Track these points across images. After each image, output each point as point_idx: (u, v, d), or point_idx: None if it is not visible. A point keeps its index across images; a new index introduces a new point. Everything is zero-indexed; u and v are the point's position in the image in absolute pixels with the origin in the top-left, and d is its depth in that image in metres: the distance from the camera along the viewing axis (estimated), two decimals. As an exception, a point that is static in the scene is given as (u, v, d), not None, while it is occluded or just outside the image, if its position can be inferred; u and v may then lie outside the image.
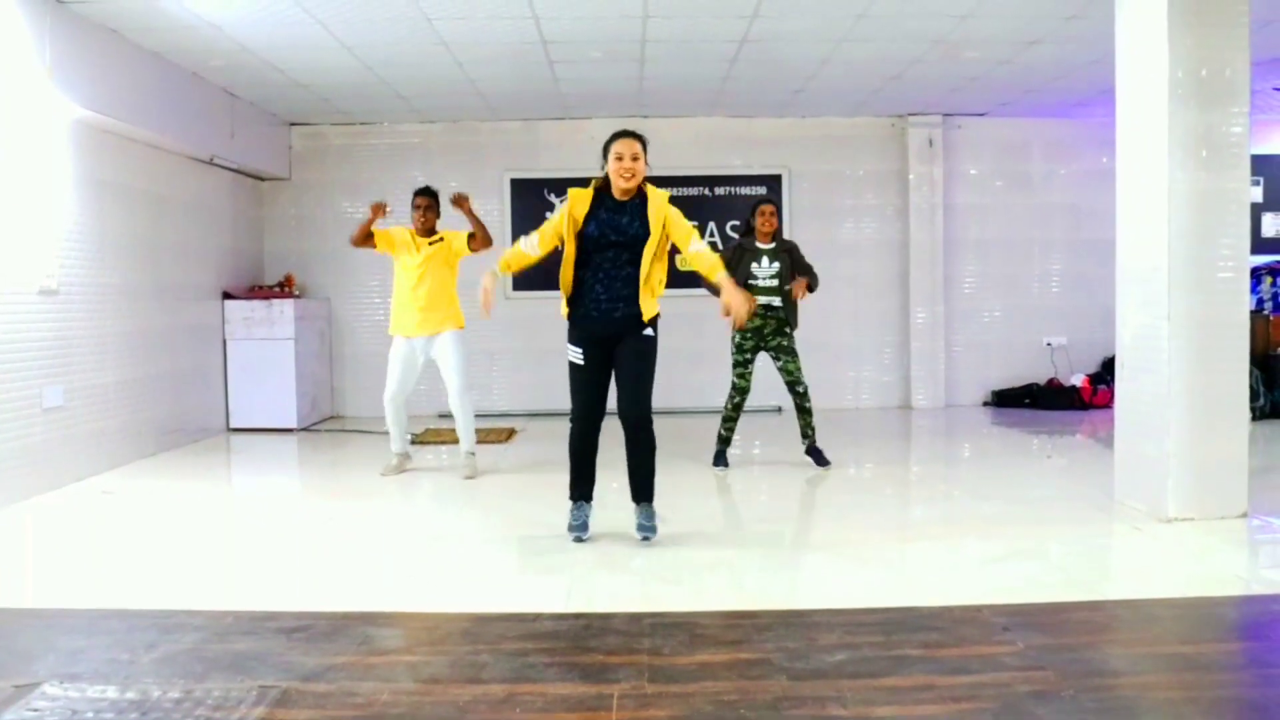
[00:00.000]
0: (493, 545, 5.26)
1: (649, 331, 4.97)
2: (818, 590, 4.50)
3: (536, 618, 3.93)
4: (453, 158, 10.52)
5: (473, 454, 7.05)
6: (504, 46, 7.63)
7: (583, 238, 4.91)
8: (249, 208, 10.22)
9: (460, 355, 6.91)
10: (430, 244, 6.85)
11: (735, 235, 10.35)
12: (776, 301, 6.84)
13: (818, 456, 7.03)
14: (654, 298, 4.95)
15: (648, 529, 5.02)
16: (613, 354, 4.98)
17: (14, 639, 3.79)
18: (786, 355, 6.88)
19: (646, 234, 4.87)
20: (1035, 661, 3.38)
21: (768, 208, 6.95)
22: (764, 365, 7.17)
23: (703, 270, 5.05)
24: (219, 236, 9.48)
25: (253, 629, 3.82)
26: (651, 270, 4.89)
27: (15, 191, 6.32)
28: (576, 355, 4.98)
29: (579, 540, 5.06)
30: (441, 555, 5.10)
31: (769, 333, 6.87)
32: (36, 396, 6.48)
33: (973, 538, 5.27)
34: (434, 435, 8.91)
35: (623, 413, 4.98)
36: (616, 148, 4.85)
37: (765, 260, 6.87)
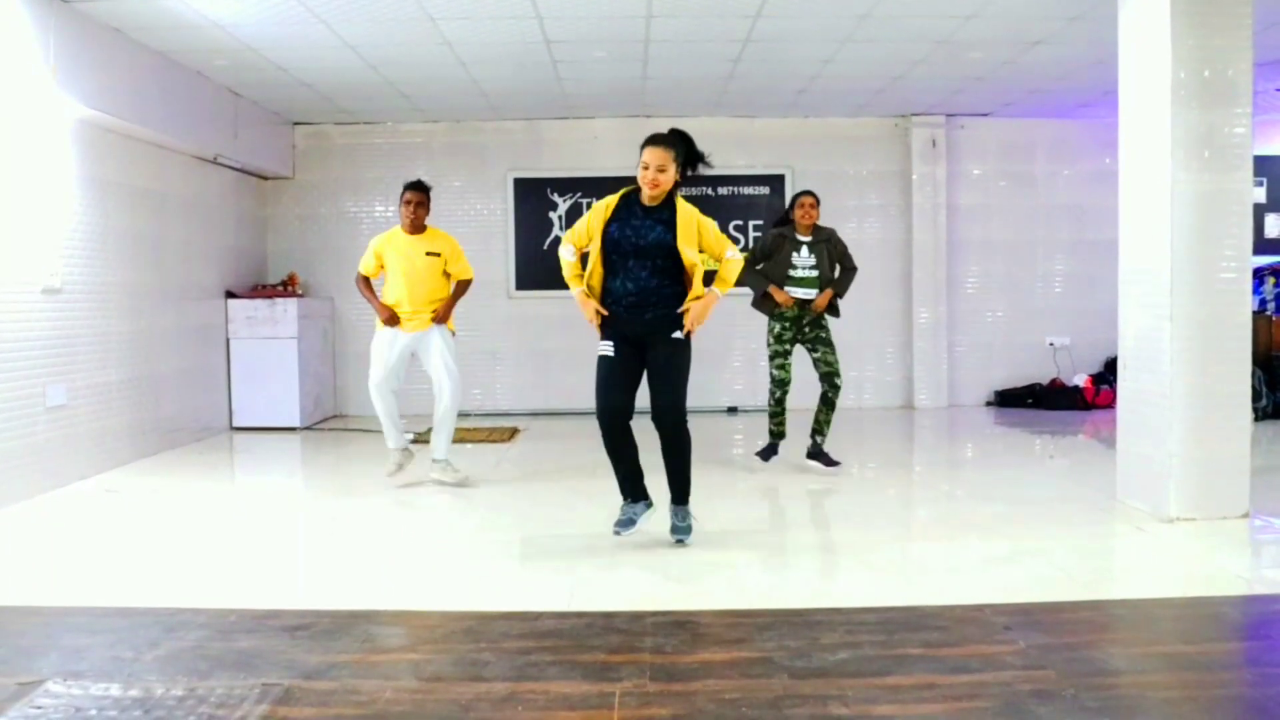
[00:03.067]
0: (495, 544, 5.27)
1: (679, 334, 4.90)
2: (819, 589, 4.51)
3: (539, 616, 3.94)
4: (456, 157, 10.54)
5: (447, 461, 6.71)
6: (507, 46, 7.64)
7: (606, 239, 4.88)
8: (252, 207, 10.24)
9: (450, 348, 6.59)
10: (427, 254, 6.51)
11: (738, 235, 10.41)
12: (814, 294, 6.76)
13: (825, 459, 6.87)
14: (694, 313, 4.86)
15: (681, 530, 5.00)
16: (644, 357, 4.94)
17: (17, 637, 3.80)
18: (824, 346, 6.79)
19: (671, 239, 4.82)
20: (1036, 661, 3.39)
21: (807, 199, 6.81)
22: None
23: (725, 278, 4.91)
24: (222, 235, 9.50)
25: (256, 627, 3.83)
26: (692, 287, 4.85)
27: (19, 190, 6.33)
28: (606, 348, 4.93)
29: (616, 534, 4.99)
30: (444, 554, 5.10)
31: (806, 323, 6.80)
32: (40, 395, 6.49)
33: (974, 537, 5.28)
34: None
35: (655, 413, 4.89)
36: (644, 156, 4.81)
37: (805, 251, 6.77)
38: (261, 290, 9.82)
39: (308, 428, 9.63)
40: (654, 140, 4.84)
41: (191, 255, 8.83)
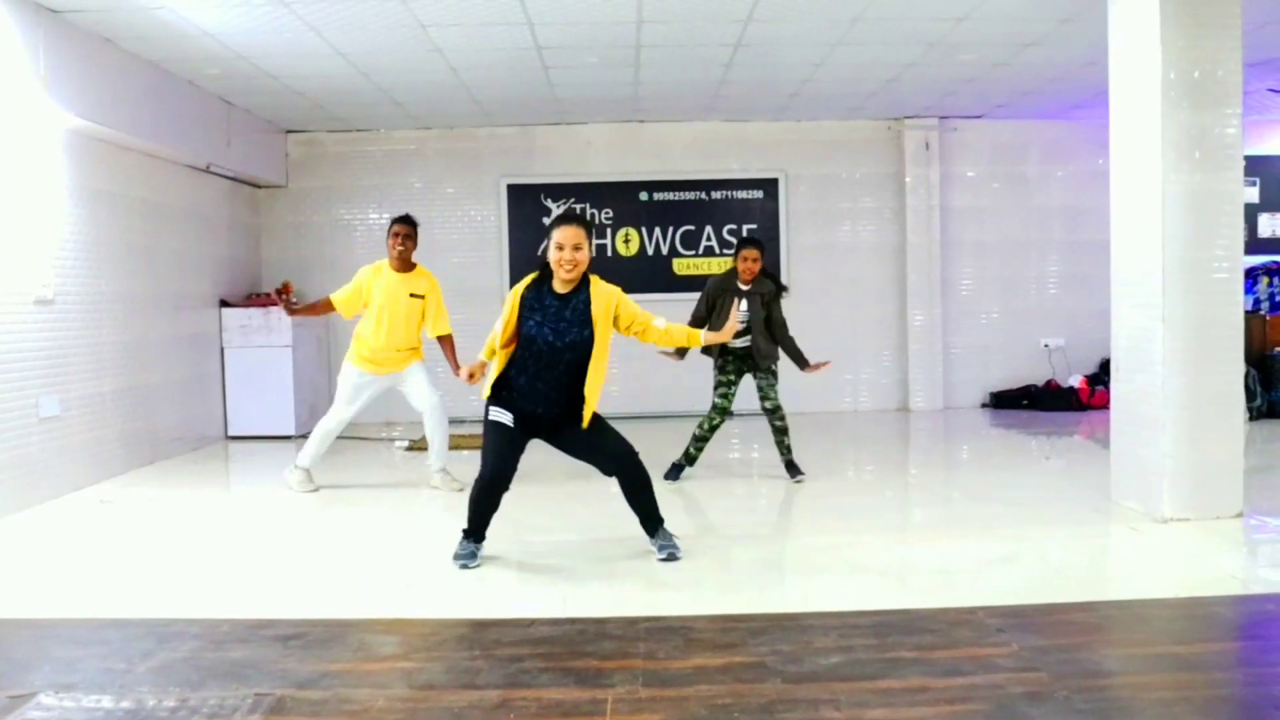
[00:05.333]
0: (488, 551, 5.25)
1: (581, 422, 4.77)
2: (812, 594, 4.49)
3: (532, 623, 3.94)
4: (449, 164, 10.54)
5: (446, 469, 6.87)
6: (499, 53, 7.64)
7: (522, 333, 4.66)
8: (246, 215, 10.23)
9: (428, 377, 6.78)
10: (411, 295, 6.54)
11: (732, 239, 10.41)
12: (747, 342, 6.66)
13: (793, 470, 6.85)
14: (591, 406, 4.72)
15: (670, 547, 4.87)
16: (547, 438, 4.84)
17: (10, 649, 3.79)
18: (763, 377, 6.72)
19: (590, 337, 4.63)
20: (1029, 663, 3.39)
21: (750, 252, 6.71)
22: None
23: (682, 343, 5.04)
24: (216, 244, 9.49)
25: (248, 637, 3.83)
26: (593, 378, 4.67)
27: (11, 201, 6.33)
28: (504, 416, 4.71)
29: (465, 568, 4.81)
30: (436, 562, 5.08)
31: (749, 361, 6.76)
32: (33, 406, 6.48)
33: (969, 539, 5.27)
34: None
35: (615, 468, 4.83)
36: (557, 236, 4.58)
37: (743, 302, 6.62)
38: (255, 299, 9.81)
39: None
40: (566, 219, 4.65)
41: (185, 264, 8.82)
